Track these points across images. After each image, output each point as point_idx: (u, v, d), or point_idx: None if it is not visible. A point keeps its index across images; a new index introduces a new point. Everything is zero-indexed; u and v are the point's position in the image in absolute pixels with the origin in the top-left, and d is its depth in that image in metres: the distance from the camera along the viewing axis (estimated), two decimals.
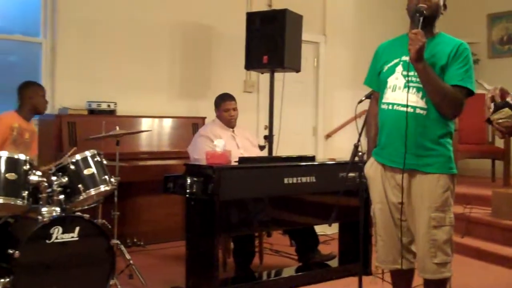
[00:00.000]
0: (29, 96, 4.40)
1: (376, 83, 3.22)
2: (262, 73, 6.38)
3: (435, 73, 2.95)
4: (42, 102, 4.48)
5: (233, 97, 5.06)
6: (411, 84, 2.99)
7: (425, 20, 2.97)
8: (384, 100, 3.11)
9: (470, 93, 2.99)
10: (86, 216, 3.74)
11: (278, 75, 5.99)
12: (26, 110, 4.42)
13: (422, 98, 2.98)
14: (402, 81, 3.03)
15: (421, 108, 2.99)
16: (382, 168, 3.13)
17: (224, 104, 4.99)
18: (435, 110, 2.98)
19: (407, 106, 2.98)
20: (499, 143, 6.88)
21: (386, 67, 3.14)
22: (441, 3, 3.07)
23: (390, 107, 3.06)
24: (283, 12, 5.65)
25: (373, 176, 3.20)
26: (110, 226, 4.34)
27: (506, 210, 5.39)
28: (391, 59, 3.12)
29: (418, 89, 2.99)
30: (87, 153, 3.95)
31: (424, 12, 2.97)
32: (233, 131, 5.00)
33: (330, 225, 4.82)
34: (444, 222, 3.01)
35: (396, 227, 3.13)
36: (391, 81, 3.08)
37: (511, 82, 5.15)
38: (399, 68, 3.06)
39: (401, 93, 3.01)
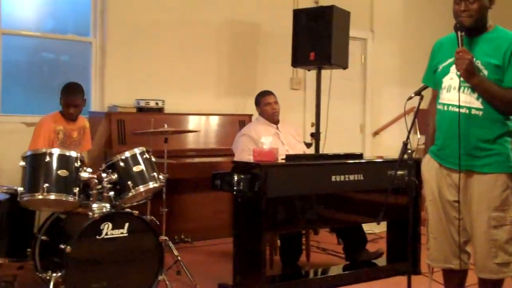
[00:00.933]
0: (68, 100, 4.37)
1: (433, 81, 3.18)
2: (309, 70, 6.36)
3: (491, 83, 2.91)
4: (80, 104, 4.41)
5: (272, 92, 5.05)
6: (465, 85, 2.95)
7: (470, 29, 2.95)
8: (440, 101, 3.09)
9: None
10: (135, 212, 3.80)
11: (325, 72, 5.95)
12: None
13: (477, 98, 2.94)
14: (456, 81, 2.98)
15: (477, 109, 2.94)
16: (439, 166, 3.10)
17: (264, 99, 4.98)
18: (491, 110, 2.93)
19: (459, 107, 2.95)
20: None
21: (440, 67, 3.10)
22: (486, 2, 2.97)
23: (446, 108, 3.04)
24: (330, 9, 5.62)
25: (428, 174, 3.19)
26: (158, 223, 4.39)
27: None
28: (445, 58, 3.07)
29: (472, 90, 2.94)
30: (136, 150, 3.98)
31: (465, 25, 2.93)
32: (277, 128, 4.97)
33: (378, 224, 4.79)
34: (505, 221, 2.97)
35: (451, 225, 3.09)
36: (446, 81, 3.05)
37: None
38: (454, 68, 3.00)
39: (456, 93, 2.97)
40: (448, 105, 3.02)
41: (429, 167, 3.18)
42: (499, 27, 3.04)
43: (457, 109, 2.95)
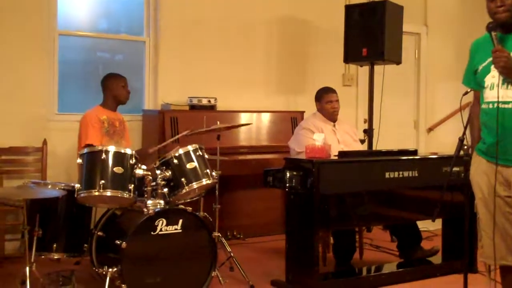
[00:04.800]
0: (110, 88, 4.52)
1: (474, 82, 3.18)
2: (361, 66, 6.30)
3: None
4: (123, 92, 4.55)
5: (335, 90, 5.01)
6: (508, 80, 2.94)
7: (507, 25, 2.95)
8: (484, 100, 3.08)
9: None
10: (189, 209, 3.83)
11: (377, 68, 5.89)
12: (109, 101, 4.53)
13: None
14: (499, 79, 2.97)
15: None
16: (488, 163, 3.07)
17: (327, 96, 4.94)
18: None
19: (498, 102, 2.94)
20: None
21: (480, 67, 3.10)
22: None
23: (491, 106, 3.02)
24: (383, 3, 5.55)
25: (476, 172, 3.16)
26: (211, 219, 4.43)
27: None
28: (485, 57, 3.06)
29: None
30: (190, 148, 4.02)
31: (502, 20, 2.93)
32: (334, 126, 4.93)
33: (433, 221, 4.71)
34: None
35: (505, 221, 3.05)
36: (488, 80, 3.05)
37: None
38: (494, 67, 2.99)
39: (500, 90, 2.96)
40: (493, 102, 2.99)
41: (477, 165, 3.16)
42: None
43: (503, 105, 2.95)
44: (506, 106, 2.95)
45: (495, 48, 2.90)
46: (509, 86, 2.93)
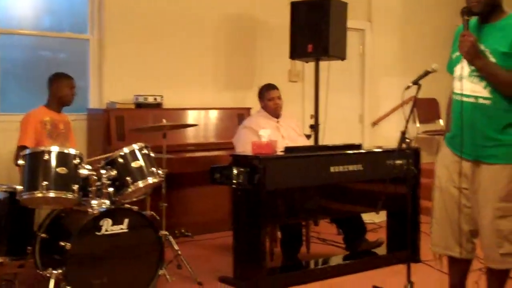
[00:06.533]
0: (55, 88, 4.44)
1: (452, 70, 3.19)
2: (307, 62, 6.35)
3: (496, 66, 2.90)
4: (68, 94, 4.46)
5: (276, 86, 5.05)
6: (474, 74, 2.96)
7: (480, 15, 2.95)
8: (454, 90, 3.11)
9: None
10: (135, 208, 3.81)
11: (323, 64, 5.94)
12: (54, 102, 4.46)
13: (485, 87, 2.94)
14: (467, 71, 2.99)
15: (485, 98, 2.94)
16: (451, 154, 3.12)
17: (269, 94, 4.99)
18: (500, 99, 2.93)
19: (462, 95, 2.98)
20: None
21: (454, 56, 3.11)
22: None
23: (457, 97, 3.05)
24: (328, 0, 5.60)
25: (441, 160, 3.21)
26: (158, 218, 4.41)
27: None
28: (458, 47, 3.05)
29: (481, 78, 2.94)
30: (135, 146, 4.00)
31: (474, 10, 2.93)
32: (278, 121, 4.98)
33: (377, 213, 4.82)
34: (510, 212, 2.97)
35: (459, 212, 3.08)
36: (457, 70, 3.06)
37: None
38: None
39: (466, 82, 2.98)
40: (458, 94, 3.03)
41: (443, 153, 3.21)
42: None
43: (466, 99, 2.98)
44: (467, 99, 2.97)
45: (463, 33, 2.90)
46: (475, 79, 2.95)
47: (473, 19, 3.01)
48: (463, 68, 2.99)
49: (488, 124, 2.95)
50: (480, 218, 3.02)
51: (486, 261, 3.07)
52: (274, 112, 4.98)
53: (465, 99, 2.98)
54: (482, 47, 2.92)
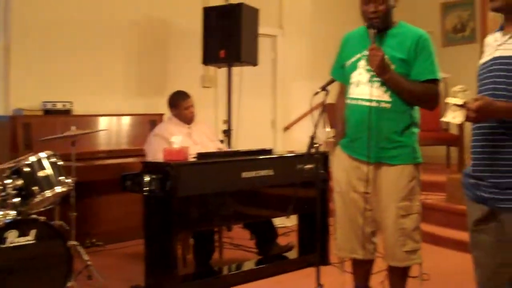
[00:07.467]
0: None
1: (341, 75, 3.28)
2: (220, 68, 6.38)
3: (401, 77, 3.03)
4: None
5: (189, 95, 5.04)
6: (375, 79, 3.06)
7: (379, 28, 3.07)
8: (349, 95, 3.19)
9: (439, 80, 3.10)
10: (42, 218, 3.71)
11: (235, 69, 6.00)
12: None
13: (386, 92, 3.06)
14: (365, 76, 3.10)
15: (386, 102, 3.07)
16: (349, 158, 3.21)
17: (185, 102, 4.95)
18: (399, 103, 3.07)
19: (363, 100, 3.08)
20: (454, 129, 7.02)
21: (349, 62, 3.20)
22: (392, 1, 3.11)
23: (355, 102, 3.14)
24: (239, 6, 5.66)
25: (337, 166, 3.31)
26: (68, 227, 4.31)
27: (460, 196, 5.45)
28: (353, 54, 3.18)
29: (382, 84, 3.06)
30: (42, 155, 3.91)
31: (376, 26, 3.05)
32: (189, 127, 4.97)
33: (288, 217, 4.89)
34: (412, 210, 3.11)
35: (360, 216, 3.18)
36: (354, 76, 3.16)
37: (465, 70, 5.30)
38: (362, 63, 3.13)
39: (365, 88, 3.09)
40: (358, 99, 3.12)
41: (339, 159, 3.30)
42: (402, 22, 3.19)
43: (366, 103, 3.07)
44: (368, 104, 3.06)
45: (371, 47, 3.00)
46: (375, 84, 3.05)
47: (362, 27, 3.17)
48: (362, 74, 3.12)
49: (389, 127, 3.09)
50: (384, 218, 3.14)
51: (390, 260, 3.18)
52: (189, 120, 4.97)
53: (365, 103, 3.08)
54: None
